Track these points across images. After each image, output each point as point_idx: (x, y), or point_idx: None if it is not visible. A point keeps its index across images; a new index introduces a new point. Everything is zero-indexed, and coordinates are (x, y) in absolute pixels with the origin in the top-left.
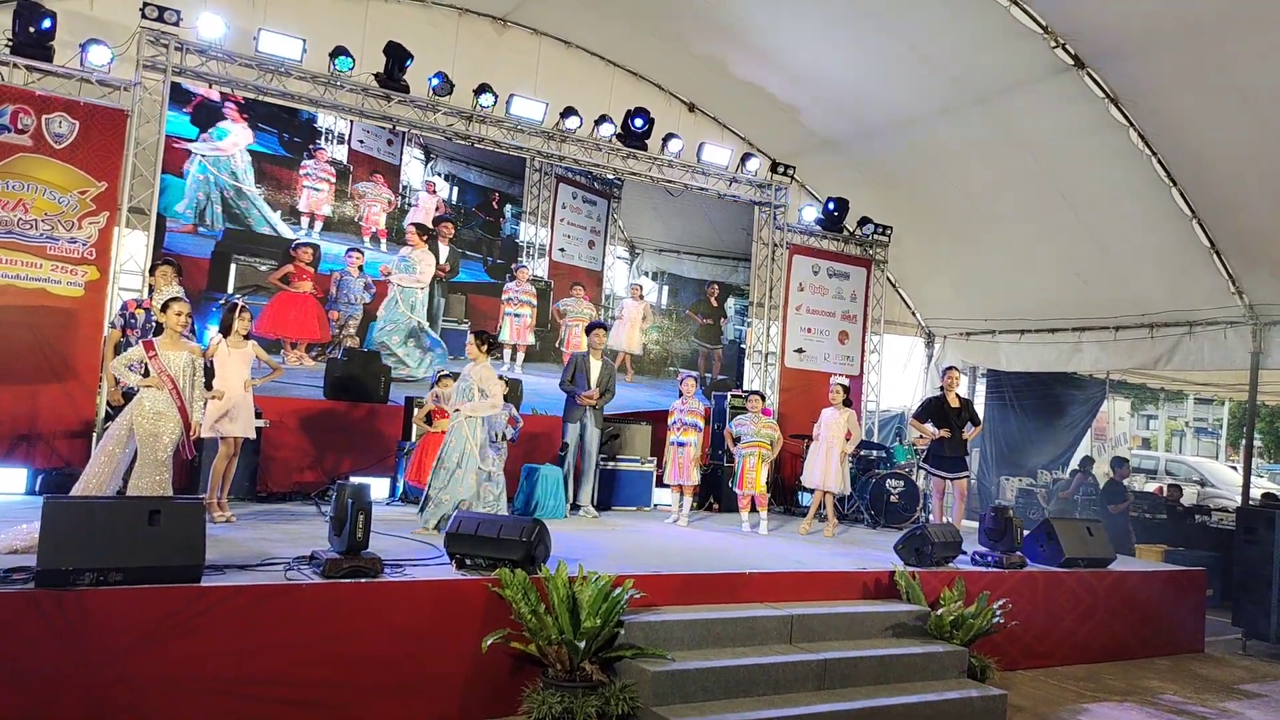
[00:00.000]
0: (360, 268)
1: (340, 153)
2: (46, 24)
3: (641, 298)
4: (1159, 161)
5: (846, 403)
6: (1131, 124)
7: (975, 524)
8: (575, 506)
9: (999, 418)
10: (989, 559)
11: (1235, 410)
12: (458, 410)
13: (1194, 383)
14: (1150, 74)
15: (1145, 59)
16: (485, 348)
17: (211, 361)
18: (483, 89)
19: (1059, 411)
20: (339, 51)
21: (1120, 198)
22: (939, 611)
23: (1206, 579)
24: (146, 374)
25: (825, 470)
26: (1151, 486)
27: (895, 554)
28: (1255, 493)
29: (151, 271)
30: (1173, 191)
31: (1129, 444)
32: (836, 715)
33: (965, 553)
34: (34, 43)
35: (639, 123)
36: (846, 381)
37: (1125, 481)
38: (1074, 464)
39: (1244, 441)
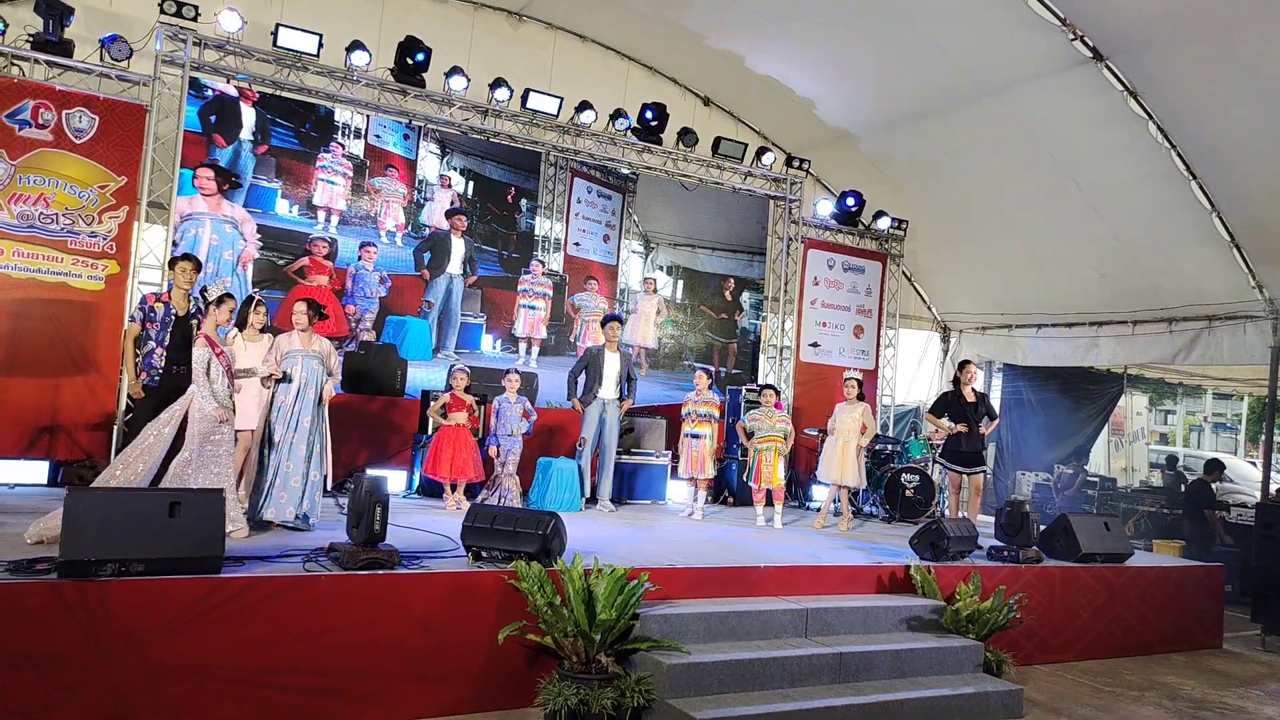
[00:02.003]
0: (374, 262)
1: (357, 147)
2: (67, 20)
3: (655, 292)
4: (1178, 154)
5: (860, 396)
6: (1150, 116)
7: (991, 519)
8: (592, 500)
9: (1015, 412)
10: (1005, 554)
11: (1254, 405)
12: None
13: (1213, 377)
14: (1170, 66)
15: (1164, 51)
16: (318, 319)
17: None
18: (498, 83)
19: (1076, 406)
20: (355, 46)
21: (1139, 191)
22: (955, 606)
23: (1225, 574)
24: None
25: (841, 465)
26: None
27: (911, 548)
28: (1274, 488)
29: (171, 265)
30: (1192, 184)
31: (1147, 439)
32: (852, 709)
33: (981, 548)
34: (54, 39)
35: (649, 115)
36: (859, 375)
37: (1215, 485)
38: (1061, 460)
39: (1263, 437)
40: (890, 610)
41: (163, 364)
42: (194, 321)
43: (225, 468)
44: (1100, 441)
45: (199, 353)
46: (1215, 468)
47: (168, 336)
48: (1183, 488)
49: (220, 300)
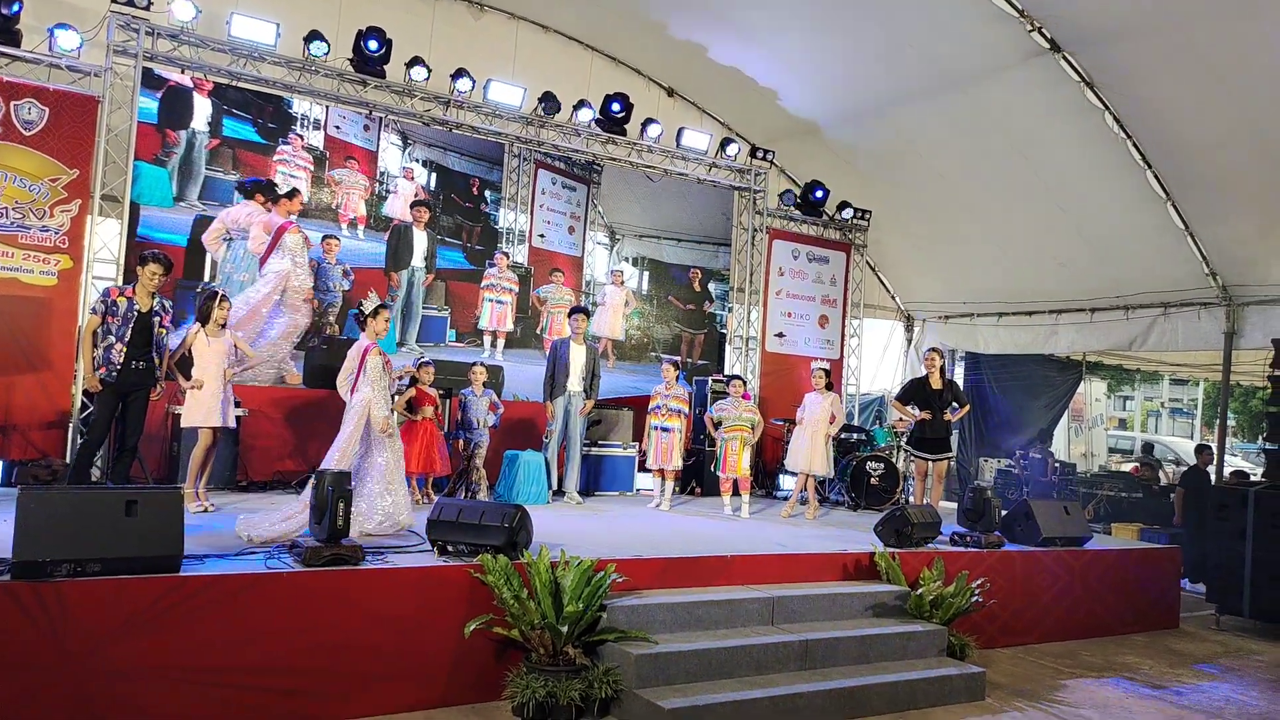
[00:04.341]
0: (336, 255)
1: (316, 139)
2: (14, 8)
3: (623, 284)
4: (1134, 144)
5: (829, 386)
6: (1107, 107)
7: (954, 505)
8: (559, 492)
9: (977, 399)
10: (968, 539)
11: (1210, 390)
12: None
13: (1169, 364)
14: (1126, 57)
15: (1121, 42)
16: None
17: (190, 351)
18: (460, 74)
19: (1036, 393)
20: (313, 36)
21: (1095, 180)
22: (918, 591)
23: (1181, 556)
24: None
25: (810, 453)
26: (1128, 466)
27: (875, 535)
28: (1228, 471)
29: (142, 264)
30: (1148, 174)
31: (1105, 425)
32: (818, 695)
33: (944, 534)
34: (1, 28)
35: (616, 107)
36: (827, 365)
37: (1209, 469)
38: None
39: (1218, 421)
40: (855, 597)
41: (121, 359)
42: (155, 319)
43: (396, 467)
44: (1060, 427)
45: (374, 361)
46: (1203, 450)
47: (128, 332)
48: (1160, 474)
49: (376, 311)
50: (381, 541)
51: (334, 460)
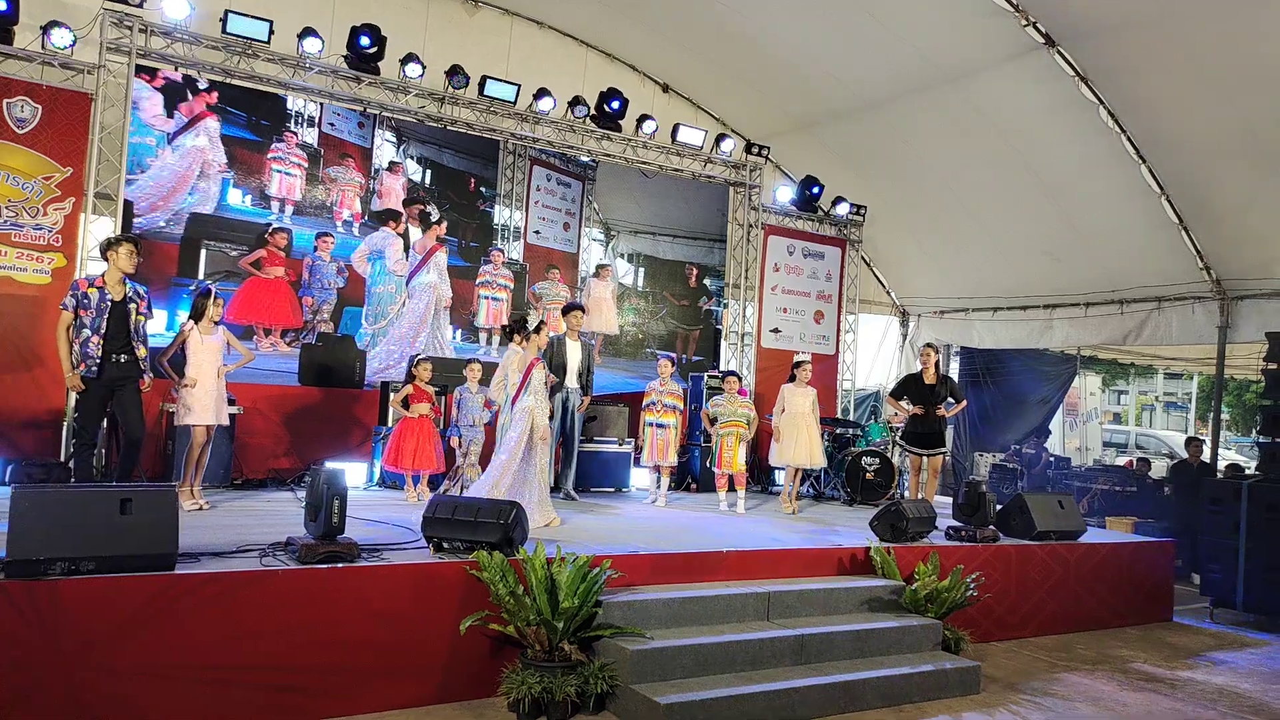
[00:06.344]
0: (330, 252)
1: (311, 136)
2: (5, 6)
3: (608, 278)
4: (1128, 139)
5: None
6: (1101, 102)
7: (949, 499)
8: (554, 489)
9: (972, 394)
10: (962, 533)
11: (1204, 384)
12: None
13: (1163, 358)
14: (1120, 52)
15: (1115, 37)
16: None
17: (184, 348)
18: (454, 70)
19: (1031, 388)
20: (307, 32)
21: (1090, 175)
22: (913, 586)
23: (1175, 549)
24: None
25: (809, 448)
26: (1122, 460)
27: (870, 530)
28: (1222, 464)
29: (109, 247)
30: (1142, 169)
31: (1100, 419)
32: (813, 689)
33: (939, 528)
34: None
35: (615, 105)
36: (809, 358)
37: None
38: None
39: (1212, 415)
40: (850, 592)
41: (100, 352)
42: (131, 306)
43: (547, 469)
44: (1055, 421)
45: (539, 374)
46: (1191, 443)
47: (104, 323)
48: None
49: (538, 328)
50: (376, 539)
51: (502, 463)
